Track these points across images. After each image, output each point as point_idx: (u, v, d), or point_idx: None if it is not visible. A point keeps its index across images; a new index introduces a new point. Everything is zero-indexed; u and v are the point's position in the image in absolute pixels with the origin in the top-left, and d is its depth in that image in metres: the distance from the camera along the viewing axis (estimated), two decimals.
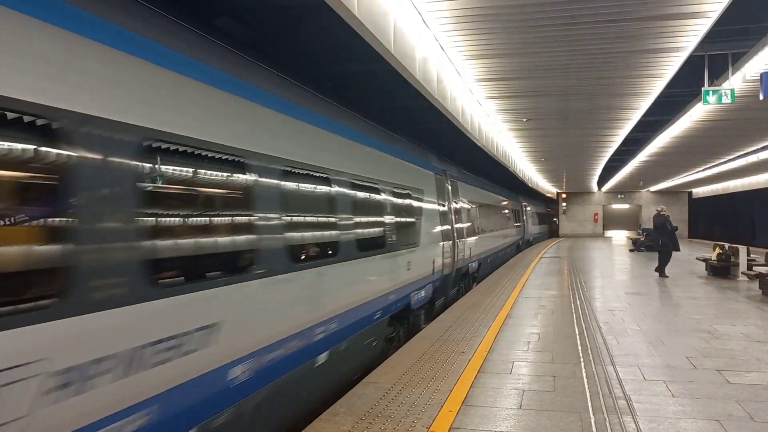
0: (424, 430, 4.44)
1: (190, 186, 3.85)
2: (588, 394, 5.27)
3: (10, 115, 2.44)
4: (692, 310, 10.03)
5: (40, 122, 2.56)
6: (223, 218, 4.18)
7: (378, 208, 7.49)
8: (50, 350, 2.52)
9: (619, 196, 47.86)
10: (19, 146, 2.54)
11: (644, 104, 14.53)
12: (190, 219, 3.82)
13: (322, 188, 5.77)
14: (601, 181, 40.82)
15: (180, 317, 3.39)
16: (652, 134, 20.74)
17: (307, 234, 5.48)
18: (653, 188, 45.19)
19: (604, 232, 48.56)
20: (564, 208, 48.90)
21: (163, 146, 3.38)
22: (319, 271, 5.45)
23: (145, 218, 3.21)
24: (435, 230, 10.54)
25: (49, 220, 2.70)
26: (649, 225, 21.87)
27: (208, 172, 3.94)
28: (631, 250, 27.77)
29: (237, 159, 4.13)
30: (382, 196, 7.66)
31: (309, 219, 5.60)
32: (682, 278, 15.14)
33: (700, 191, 46.77)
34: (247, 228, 4.28)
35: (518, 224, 28.40)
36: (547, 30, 8.94)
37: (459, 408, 4.93)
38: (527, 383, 5.68)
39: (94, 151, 2.86)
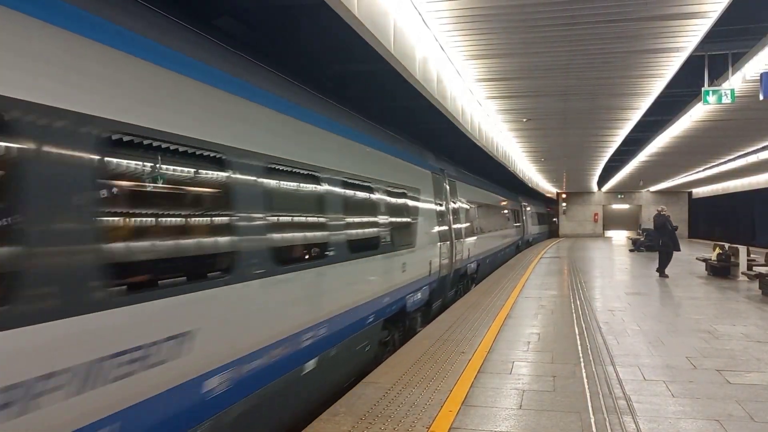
0: (424, 430, 4.44)
1: (156, 183, 3.50)
2: (588, 394, 5.27)
3: None
4: (692, 310, 10.03)
5: None
6: (197, 218, 3.86)
7: (371, 208, 7.22)
8: None
9: (619, 196, 47.87)
10: None
11: (644, 104, 14.53)
12: (159, 219, 3.47)
13: (311, 187, 5.49)
14: (601, 181, 40.82)
15: (146, 326, 3.11)
16: (652, 134, 20.75)
17: (293, 235, 5.17)
18: (653, 188, 45.20)
19: (604, 232, 48.57)
20: (564, 208, 48.91)
21: (125, 139, 3.08)
22: (307, 273, 5.18)
23: (104, 218, 2.94)
24: (432, 231, 10.31)
25: None
26: (649, 225, 21.88)
27: (177, 167, 3.59)
28: (631, 250, 27.77)
29: (210, 154, 3.82)
30: (376, 196, 7.38)
31: (295, 219, 5.30)
32: (682, 278, 15.14)
33: (700, 191, 46.78)
34: (225, 229, 4.00)
35: (518, 224, 28.32)
36: (547, 30, 8.94)
37: (459, 408, 4.93)
38: (527, 383, 5.68)
39: (41, 143, 2.58)
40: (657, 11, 8.16)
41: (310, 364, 5.13)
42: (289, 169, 5.01)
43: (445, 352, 6.93)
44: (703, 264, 16.62)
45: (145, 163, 3.31)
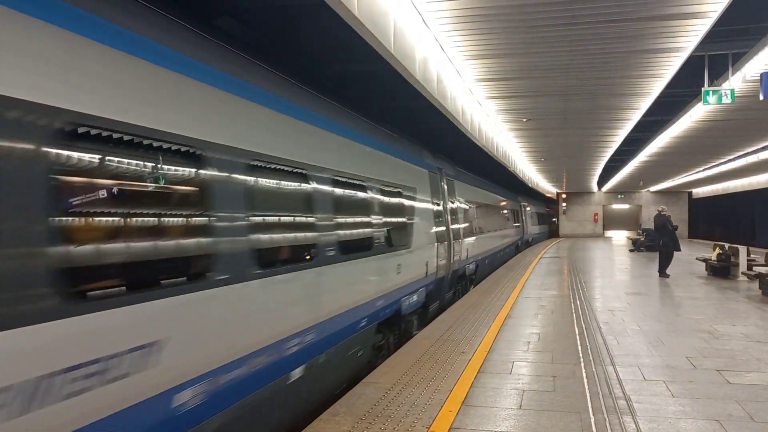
0: (424, 430, 4.44)
1: (116, 178, 3.09)
2: (588, 395, 5.27)
3: None
4: (692, 310, 10.03)
5: None
6: (167, 218, 3.50)
7: (363, 208, 6.93)
8: None
9: (619, 196, 47.88)
10: None
11: (644, 104, 14.53)
12: (122, 219, 3.13)
13: (298, 186, 5.21)
14: (601, 182, 40.82)
15: (105, 337, 2.82)
16: (652, 134, 20.75)
17: (273, 237, 4.82)
18: (653, 188, 45.20)
19: (604, 232, 48.57)
20: (564, 208, 48.91)
21: (80, 130, 2.80)
22: (292, 277, 4.89)
23: (55, 218, 2.64)
24: (428, 231, 10.07)
25: None
26: (650, 225, 21.88)
27: (144, 161, 3.25)
28: (631, 251, 27.77)
29: (185, 148, 3.52)
30: (369, 195, 7.10)
31: (278, 219, 4.98)
32: (683, 278, 15.14)
33: (700, 191, 46.78)
34: (199, 229, 3.69)
35: (517, 224, 28.26)
36: (548, 30, 8.93)
37: (459, 408, 4.93)
38: (527, 383, 5.68)
39: None
40: (657, 11, 8.16)
41: (297, 372, 4.87)
42: (273, 166, 4.70)
43: (445, 352, 6.92)
44: (703, 264, 16.62)
45: (107, 158, 3.03)
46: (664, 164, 28.32)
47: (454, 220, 12.43)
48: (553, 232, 50.86)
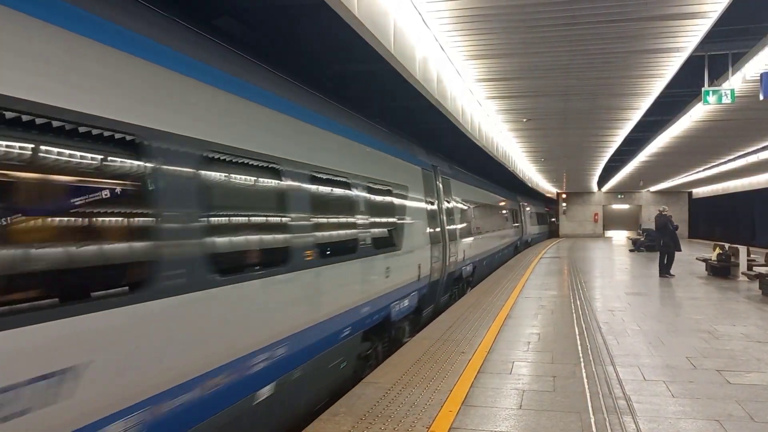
0: (424, 430, 4.43)
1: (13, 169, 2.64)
2: (588, 395, 5.27)
3: None
4: (692, 311, 10.03)
5: None
6: (91, 217, 2.94)
7: (345, 207, 6.40)
8: None
9: (619, 196, 47.89)
10: None
11: (644, 104, 14.53)
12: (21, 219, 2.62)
13: (270, 182, 4.71)
14: (601, 182, 40.83)
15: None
16: (652, 134, 20.75)
17: (240, 238, 4.33)
18: (653, 188, 45.21)
19: (604, 233, 48.58)
20: (564, 208, 48.91)
21: None
22: (259, 284, 4.33)
23: None
24: (421, 232, 9.57)
25: None
26: (650, 225, 21.89)
27: (60, 150, 2.76)
28: (631, 251, 27.77)
29: (119, 135, 3.06)
30: (352, 193, 6.55)
31: (248, 219, 4.46)
32: (683, 278, 15.14)
33: (700, 191, 46.80)
34: (138, 232, 3.19)
35: (516, 224, 28.17)
36: (548, 30, 8.94)
37: (459, 408, 4.93)
38: (527, 383, 5.68)
39: None
40: (657, 11, 8.17)
41: (265, 391, 4.39)
42: (234, 158, 4.14)
43: (445, 352, 6.92)
44: (703, 264, 16.62)
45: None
46: (664, 164, 28.33)
47: (450, 221, 12.04)
48: (553, 233, 50.86)
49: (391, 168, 8.41)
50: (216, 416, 3.76)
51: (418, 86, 9.78)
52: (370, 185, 7.20)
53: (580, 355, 6.76)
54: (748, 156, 25.25)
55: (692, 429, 4.47)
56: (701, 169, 31.32)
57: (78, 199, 2.91)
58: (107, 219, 3.06)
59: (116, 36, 3.14)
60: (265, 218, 4.71)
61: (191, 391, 3.47)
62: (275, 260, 4.65)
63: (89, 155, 2.91)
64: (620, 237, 45.00)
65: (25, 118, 2.54)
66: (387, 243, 7.67)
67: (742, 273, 14.09)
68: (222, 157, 3.99)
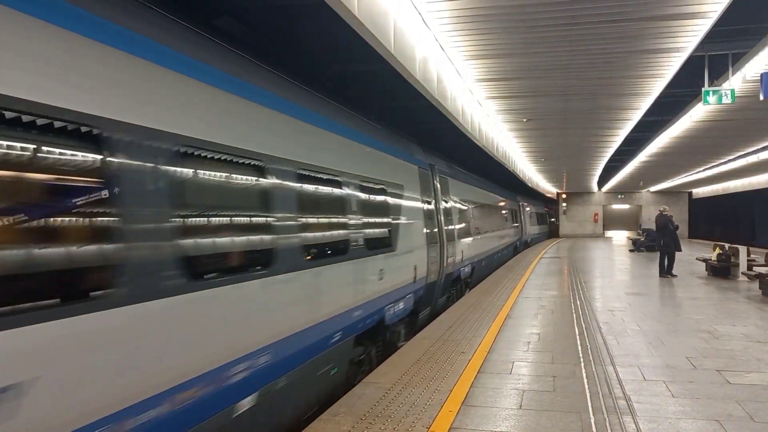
0: (424, 430, 4.43)
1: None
2: (588, 395, 5.27)
3: None
4: (692, 311, 10.03)
5: None
6: (32, 218, 2.63)
7: (335, 206, 6.11)
8: None
9: (619, 196, 47.89)
10: None
11: (644, 104, 14.53)
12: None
13: (248, 178, 4.40)
14: (602, 182, 40.83)
15: None
16: (653, 134, 20.75)
17: (219, 239, 4.06)
18: (653, 188, 45.21)
19: (604, 233, 48.59)
20: (564, 208, 48.92)
21: None
22: (238, 289, 4.06)
23: None
24: (417, 232, 9.33)
25: None
26: (650, 225, 21.90)
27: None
28: (631, 251, 27.76)
29: (78, 126, 2.82)
30: (344, 191, 6.26)
31: (230, 219, 4.18)
32: (683, 278, 15.14)
33: (700, 191, 46.82)
34: (101, 233, 2.93)
35: (516, 225, 28.13)
36: (548, 30, 8.94)
37: (459, 408, 4.93)
38: (527, 383, 5.68)
39: None
40: (657, 11, 8.17)
41: (247, 402, 4.13)
42: (211, 154, 3.86)
43: (445, 352, 6.92)
44: (704, 264, 16.62)
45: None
46: (665, 164, 28.33)
47: (448, 221, 11.79)
48: (552, 233, 50.87)
49: (386, 166, 8.13)
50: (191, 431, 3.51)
51: (418, 86, 9.78)
52: (362, 183, 6.91)
53: (580, 355, 6.76)
54: (748, 156, 25.26)
55: (692, 429, 4.47)
56: (701, 169, 31.33)
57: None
58: (85, 221, 2.87)
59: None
60: (246, 218, 4.42)
61: (159, 406, 3.19)
62: (256, 263, 4.40)
63: (29, 145, 2.64)
64: (620, 237, 45.00)
65: None
66: (380, 244, 7.41)
67: (742, 273, 14.09)
68: (196, 152, 3.72)
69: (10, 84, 2.49)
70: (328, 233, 5.93)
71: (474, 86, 12.70)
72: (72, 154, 2.83)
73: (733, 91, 12.02)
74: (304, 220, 5.21)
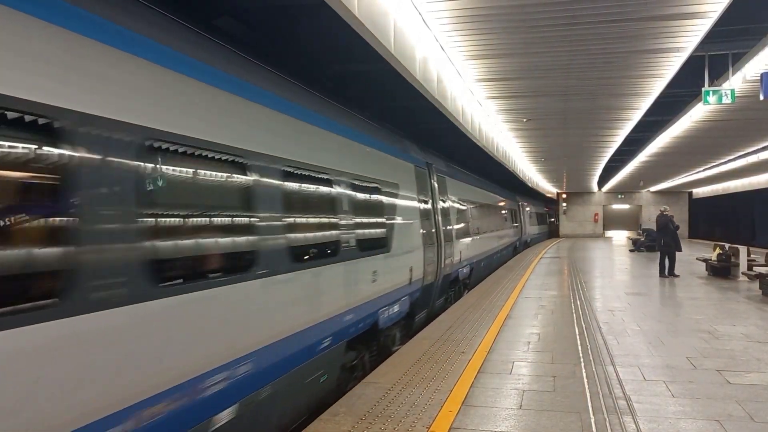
0: (424, 430, 4.43)
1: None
2: (588, 395, 5.27)
3: None
4: (692, 311, 10.03)
5: None
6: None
7: (324, 205, 5.84)
8: None
9: (620, 196, 47.91)
10: None
11: (645, 104, 14.54)
12: None
13: (227, 175, 4.12)
14: (602, 182, 40.84)
15: None
16: (653, 134, 20.76)
17: (202, 241, 3.81)
18: (653, 188, 45.23)
19: (604, 233, 48.61)
20: (564, 208, 48.93)
21: None
22: (217, 293, 3.80)
23: None
24: (414, 232, 9.09)
25: None
26: (650, 225, 21.89)
27: None
28: (631, 251, 27.77)
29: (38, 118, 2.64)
30: (334, 190, 5.99)
31: (209, 220, 3.91)
32: (683, 278, 15.14)
33: (700, 191, 46.83)
34: (55, 232, 2.70)
35: (515, 225, 28.07)
36: (548, 30, 8.94)
37: (459, 408, 4.93)
38: (527, 383, 5.68)
39: None
40: (657, 11, 8.17)
41: (225, 415, 3.88)
42: (186, 149, 3.61)
43: (445, 352, 6.92)
44: (704, 264, 16.62)
45: None
46: (665, 164, 28.34)
47: (446, 221, 11.55)
48: (553, 233, 50.87)
49: (379, 164, 7.85)
50: None
51: (418, 86, 9.78)
52: (354, 182, 6.62)
53: (580, 355, 6.76)
54: (748, 156, 25.27)
55: (692, 429, 4.47)
56: (701, 169, 31.34)
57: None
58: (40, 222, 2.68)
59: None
60: (226, 218, 4.13)
61: (120, 424, 2.92)
62: (235, 266, 4.11)
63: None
64: (620, 237, 45.00)
65: None
66: (374, 245, 7.15)
67: (742, 273, 14.09)
68: (171, 147, 3.49)
69: None
70: (315, 234, 5.62)
71: (474, 86, 12.70)
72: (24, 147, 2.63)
73: (733, 91, 12.02)
74: (288, 220, 4.92)
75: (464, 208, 14.38)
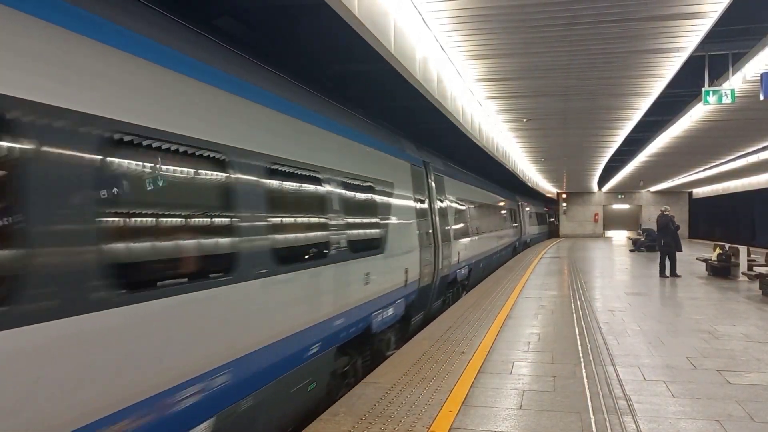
0: (424, 430, 4.43)
1: None
2: (588, 395, 5.27)
3: None
4: (692, 311, 10.02)
5: None
6: None
7: (312, 205, 5.57)
8: None
9: (620, 196, 47.92)
10: None
11: (645, 104, 14.54)
12: None
13: (195, 170, 3.77)
14: (602, 182, 40.85)
15: None
16: (653, 134, 20.77)
17: (183, 242, 3.60)
18: (653, 188, 45.23)
19: (604, 233, 48.62)
20: (564, 208, 48.94)
21: None
22: (194, 298, 3.56)
23: None
24: (409, 233, 8.84)
25: None
26: (650, 225, 21.89)
27: None
28: (631, 251, 27.77)
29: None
30: (323, 189, 5.71)
31: (185, 220, 3.65)
32: (683, 278, 15.14)
33: (700, 191, 46.84)
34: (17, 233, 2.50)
35: (515, 225, 27.98)
36: (548, 30, 8.94)
37: (459, 408, 4.93)
38: (527, 383, 5.68)
39: None
40: (657, 11, 8.17)
41: (201, 429, 3.65)
42: (160, 144, 3.40)
43: (445, 352, 6.92)
44: (704, 264, 16.63)
45: None
46: (665, 164, 28.35)
47: (443, 221, 11.32)
48: (552, 233, 50.88)
49: (373, 162, 7.60)
50: None
51: (418, 86, 9.78)
52: (345, 180, 6.35)
53: (581, 355, 6.76)
54: (748, 156, 25.27)
55: (692, 429, 4.47)
56: (701, 169, 31.34)
57: None
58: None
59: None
60: (204, 218, 3.86)
61: None
62: (213, 268, 3.84)
63: None
64: (620, 237, 45.01)
65: None
66: (366, 245, 6.88)
67: (743, 273, 14.09)
68: (144, 142, 3.29)
69: None
70: (302, 235, 5.33)
71: (474, 86, 12.70)
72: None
73: (733, 91, 12.02)
74: (273, 220, 4.65)
75: (463, 207, 14.21)
